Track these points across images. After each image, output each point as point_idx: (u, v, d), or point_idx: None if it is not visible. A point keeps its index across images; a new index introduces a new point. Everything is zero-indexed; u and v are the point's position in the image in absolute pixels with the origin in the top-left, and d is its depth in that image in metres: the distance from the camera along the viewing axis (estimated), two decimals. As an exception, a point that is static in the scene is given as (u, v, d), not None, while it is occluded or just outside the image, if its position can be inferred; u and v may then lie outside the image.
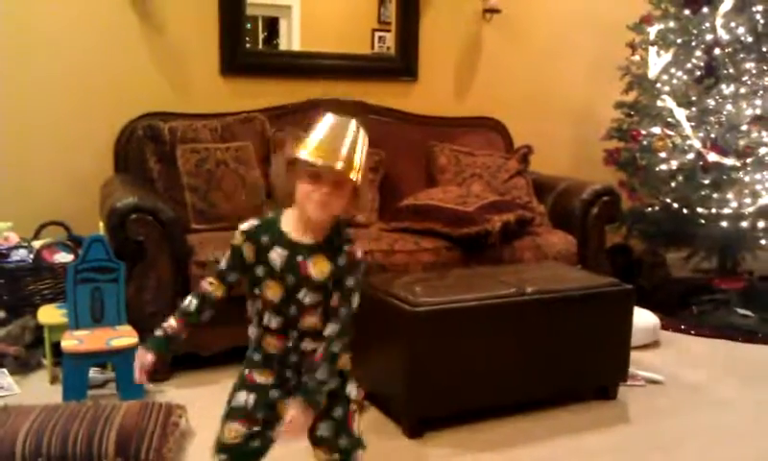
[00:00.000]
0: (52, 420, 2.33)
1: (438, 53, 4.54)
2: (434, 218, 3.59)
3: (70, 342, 2.77)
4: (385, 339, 2.78)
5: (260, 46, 4.35)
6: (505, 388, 2.80)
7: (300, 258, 1.69)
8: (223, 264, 1.76)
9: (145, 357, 1.74)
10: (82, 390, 2.74)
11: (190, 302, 1.76)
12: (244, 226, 1.73)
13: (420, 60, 4.50)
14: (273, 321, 1.72)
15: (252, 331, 1.79)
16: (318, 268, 1.70)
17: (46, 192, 3.71)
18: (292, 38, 4.37)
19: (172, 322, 1.76)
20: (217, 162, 3.57)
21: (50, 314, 3.08)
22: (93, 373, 2.93)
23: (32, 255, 3.29)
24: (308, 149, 1.64)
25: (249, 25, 4.20)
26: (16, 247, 3.36)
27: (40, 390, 2.94)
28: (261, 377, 1.77)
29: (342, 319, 1.72)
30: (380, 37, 4.51)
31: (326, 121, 1.69)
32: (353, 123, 1.70)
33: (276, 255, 1.69)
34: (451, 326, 2.67)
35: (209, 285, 1.76)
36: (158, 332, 1.76)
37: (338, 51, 4.33)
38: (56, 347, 2.92)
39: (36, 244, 3.38)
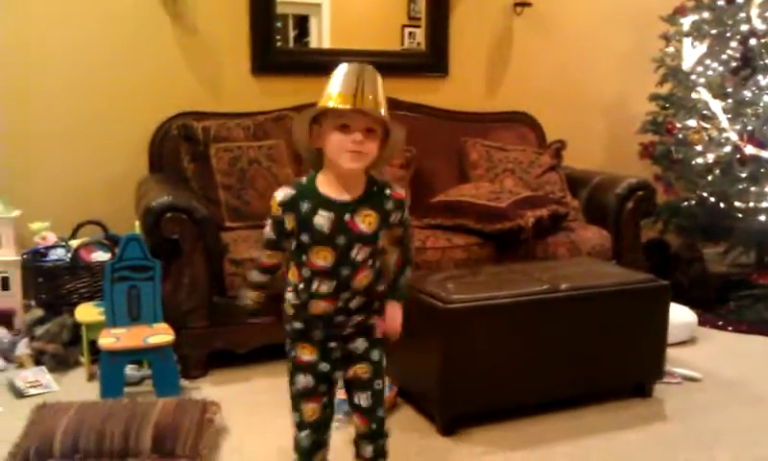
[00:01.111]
0: (89, 416, 2.36)
1: (468, 48, 4.52)
2: (466, 214, 3.58)
3: (107, 340, 2.80)
4: (418, 336, 2.76)
5: (291, 45, 4.37)
6: (539, 385, 2.78)
7: (347, 217, 1.71)
8: (270, 233, 1.78)
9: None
10: (118, 387, 2.78)
11: (258, 278, 1.88)
12: (279, 195, 1.73)
13: (450, 55, 4.49)
14: (323, 286, 1.74)
15: (293, 299, 1.80)
16: (366, 221, 1.73)
17: (83, 192, 3.77)
18: (322, 36, 4.38)
19: (252, 294, 1.90)
20: (250, 161, 3.59)
21: (87, 312, 3.13)
22: (130, 370, 2.96)
23: (69, 255, 3.34)
24: (333, 98, 1.65)
25: (279, 24, 4.21)
26: (54, 246, 3.42)
27: (78, 387, 2.99)
28: (306, 355, 1.81)
29: (409, 240, 1.88)
30: (410, 33, 4.50)
31: (341, 70, 1.69)
32: (368, 66, 1.71)
33: (323, 219, 1.70)
34: (485, 323, 2.66)
35: (268, 258, 1.83)
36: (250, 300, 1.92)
37: (368, 48, 4.32)
38: (93, 345, 2.97)
39: (74, 243, 3.43)
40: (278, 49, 4.18)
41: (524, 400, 2.79)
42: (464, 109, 4.46)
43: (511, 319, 2.70)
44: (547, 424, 2.74)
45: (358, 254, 1.73)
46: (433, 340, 2.65)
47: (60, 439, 2.27)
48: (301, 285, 1.76)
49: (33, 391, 2.93)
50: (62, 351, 3.16)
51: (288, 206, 1.72)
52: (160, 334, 2.87)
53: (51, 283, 3.31)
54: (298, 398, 1.85)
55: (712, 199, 4.16)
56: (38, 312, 3.28)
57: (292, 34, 4.40)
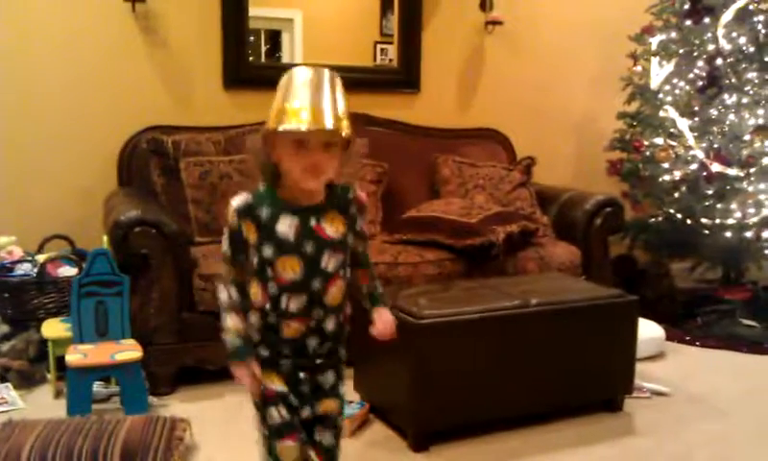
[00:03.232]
0: (56, 434, 2.33)
1: (440, 65, 4.55)
2: (437, 230, 3.59)
3: (74, 356, 2.76)
4: (389, 352, 2.75)
5: (263, 59, 4.36)
6: (510, 400, 2.79)
7: (313, 222, 1.59)
8: (226, 248, 1.62)
9: (252, 369, 1.63)
10: (86, 404, 2.74)
11: (230, 294, 1.63)
12: (235, 202, 1.58)
13: (422, 71, 4.51)
14: (293, 302, 1.59)
15: (258, 322, 1.64)
16: (334, 226, 1.61)
17: (50, 206, 3.72)
18: (294, 51, 4.38)
19: (233, 322, 1.62)
20: (221, 175, 3.57)
21: (54, 328, 3.08)
22: (97, 387, 2.93)
23: (36, 269, 3.29)
24: (290, 115, 1.50)
25: (251, 38, 4.21)
26: (20, 261, 3.36)
27: (44, 404, 2.94)
28: (275, 385, 1.65)
29: (368, 258, 1.75)
30: (382, 50, 4.51)
31: (293, 77, 1.53)
32: (323, 70, 1.55)
33: (286, 226, 1.57)
34: (456, 338, 2.66)
35: (226, 271, 1.64)
36: (237, 341, 1.62)
37: (340, 63, 4.32)
38: (60, 361, 2.92)
39: (40, 258, 3.37)
40: (250, 63, 4.17)
41: (496, 415, 2.79)
42: (435, 125, 4.48)
43: (482, 334, 2.71)
44: (519, 439, 2.75)
45: (329, 262, 1.59)
46: (405, 355, 2.65)
47: (26, 457, 2.22)
48: (268, 305, 1.61)
49: (-3, 408, 2.88)
50: (28, 368, 3.11)
51: (245, 212, 1.57)
52: (128, 351, 2.84)
53: (17, 299, 3.25)
54: (274, 437, 1.66)
55: (679, 215, 4.22)
56: (4, 328, 3.22)
57: (264, 48, 4.39)
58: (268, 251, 1.58)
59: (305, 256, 1.58)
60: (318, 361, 1.66)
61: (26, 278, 3.28)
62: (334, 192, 1.63)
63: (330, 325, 1.65)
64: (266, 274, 1.59)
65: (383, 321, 1.74)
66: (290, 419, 1.65)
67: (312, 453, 1.72)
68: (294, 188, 1.58)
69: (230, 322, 1.63)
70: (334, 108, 1.52)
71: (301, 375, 1.66)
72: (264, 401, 1.67)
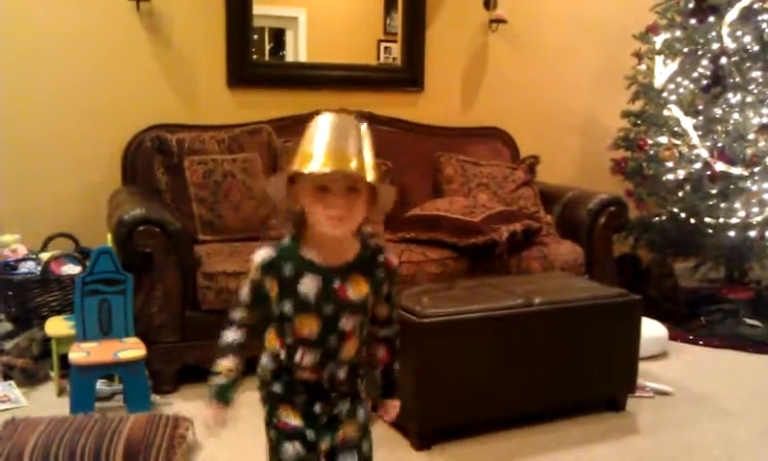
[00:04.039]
0: (59, 432, 2.33)
1: (444, 63, 4.55)
2: (441, 228, 3.59)
3: (78, 354, 2.77)
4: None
5: (267, 58, 4.37)
6: (513, 400, 2.79)
7: (336, 283, 1.53)
8: (245, 297, 1.59)
9: (218, 413, 1.59)
10: (89, 402, 2.74)
11: (234, 337, 1.60)
12: (259, 257, 1.54)
13: (426, 70, 4.51)
14: (307, 357, 1.56)
15: (270, 364, 1.61)
16: (357, 289, 1.55)
17: (54, 204, 3.73)
18: (298, 50, 4.38)
19: (225, 363, 1.59)
20: (224, 174, 3.58)
21: (58, 326, 3.09)
22: (100, 385, 2.93)
23: (39, 268, 3.29)
24: (312, 160, 1.44)
25: (255, 36, 4.21)
26: (24, 259, 3.37)
27: (48, 402, 2.94)
28: (291, 419, 1.60)
29: (396, 322, 1.69)
30: (386, 48, 4.51)
31: (318, 124, 1.48)
32: (352, 119, 1.51)
33: (307, 286, 1.52)
34: (459, 337, 2.66)
35: (239, 314, 1.60)
36: (223, 380, 1.58)
37: (344, 62, 4.34)
38: (63, 359, 2.92)
39: (44, 256, 3.38)
40: (254, 62, 4.18)
41: (499, 414, 2.79)
42: (439, 123, 4.48)
43: (485, 333, 2.71)
44: (521, 439, 2.75)
45: (347, 323, 1.55)
46: (408, 354, 2.62)
47: (29, 455, 2.23)
48: (283, 353, 1.58)
49: (1, 406, 2.88)
50: (32, 366, 3.12)
51: (269, 268, 1.53)
52: (132, 349, 2.84)
53: (21, 297, 3.26)
54: None
55: (683, 215, 4.21)
56: (8, 326, 3.24)
57: (268, 47, 4.40)
58: (288, 307, 1.54)
59: (324, 317, 1.54)
60: (333, 395, 1.62)
61: (30, 275, 3.28)
62: (364, 253, 1.57)
63: (342, 374, 1.60)
64: (284, 327, 1.57)
65: (394, 408, 1.81)
66: (305, 455, 1.60)
67: None
68: (319, 241, 1.53)
69: (225, 362, 1.60)
70: (359, 154, 1.46)
71: (317, 406, 1.61)
72: (278, 436, 1.61)
